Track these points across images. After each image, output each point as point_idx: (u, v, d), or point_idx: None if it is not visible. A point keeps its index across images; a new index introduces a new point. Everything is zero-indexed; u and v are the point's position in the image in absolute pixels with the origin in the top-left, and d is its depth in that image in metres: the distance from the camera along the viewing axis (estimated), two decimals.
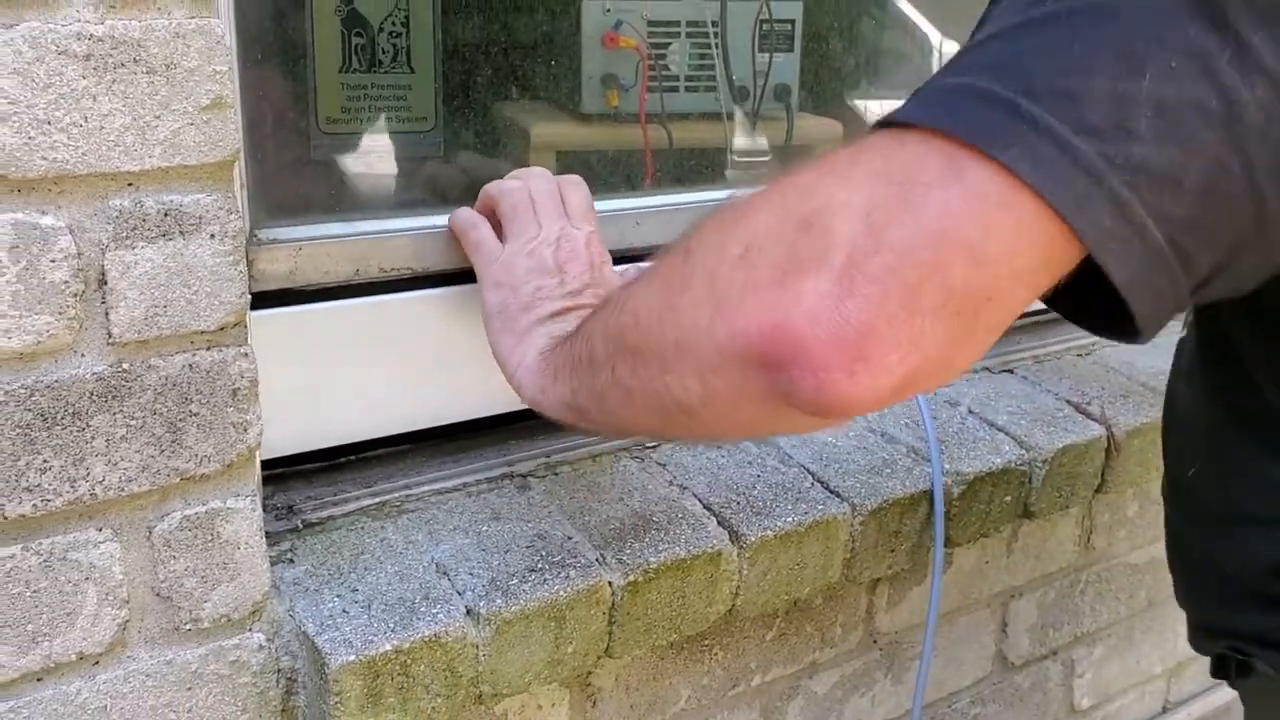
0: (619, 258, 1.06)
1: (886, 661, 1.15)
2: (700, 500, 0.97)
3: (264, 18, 0.90)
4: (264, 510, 0.90)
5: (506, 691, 0.83)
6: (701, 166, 1.36)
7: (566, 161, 1.26)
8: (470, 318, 0.93)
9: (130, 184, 0.66)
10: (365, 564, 0.84)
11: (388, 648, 0.76)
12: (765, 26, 1.36)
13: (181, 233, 0.69)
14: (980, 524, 1.07)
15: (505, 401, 1.02)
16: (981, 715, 1.26)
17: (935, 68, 1.21)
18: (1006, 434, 1.11)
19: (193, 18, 0.66)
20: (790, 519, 0.95)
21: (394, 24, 0.99)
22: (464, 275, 0.93)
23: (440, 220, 0.94)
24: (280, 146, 0.98)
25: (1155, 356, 1.32)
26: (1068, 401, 1.19)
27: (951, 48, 1.52)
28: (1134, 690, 1.42)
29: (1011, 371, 1.26)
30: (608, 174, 1.28)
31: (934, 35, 1.56)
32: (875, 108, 1.49)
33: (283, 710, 0.80)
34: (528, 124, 1.26)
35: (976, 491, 1.05)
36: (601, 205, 1.05)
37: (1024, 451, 1.09)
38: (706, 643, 1.01)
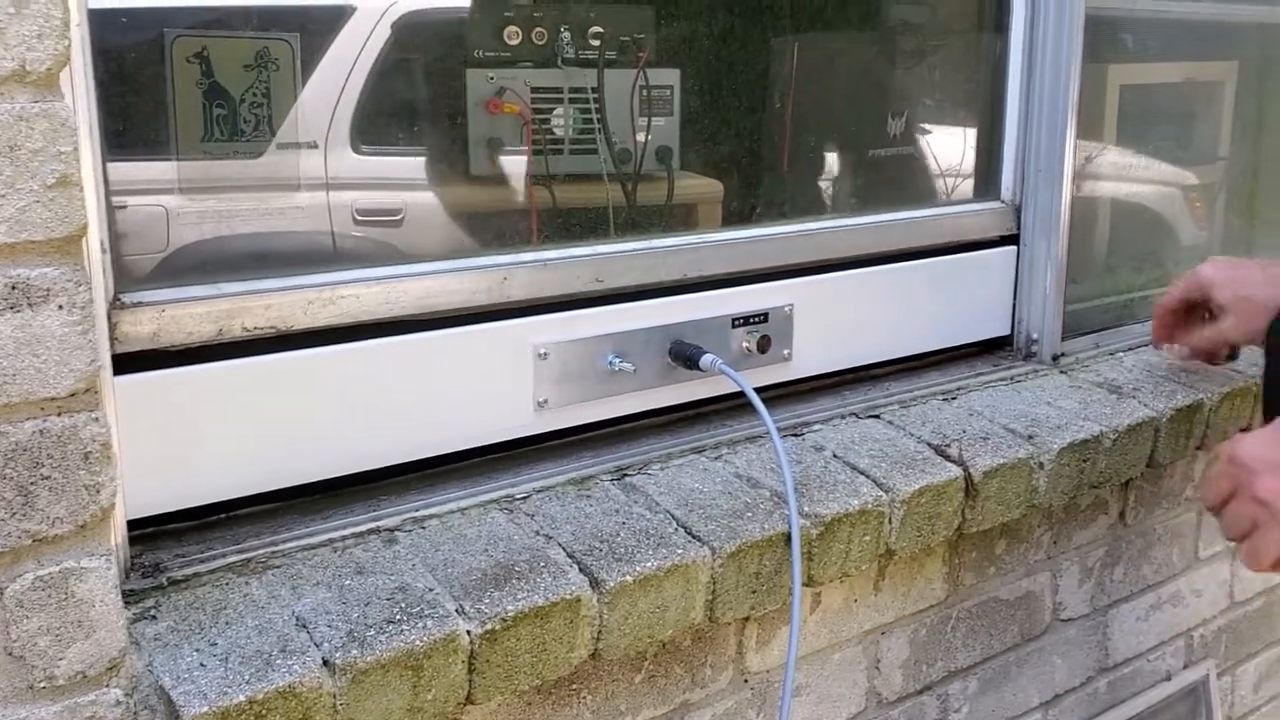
0: (490, 313, 1.11)
1: (758, 700, 1.19)
2: (564, 549, 1.00)
3: (126, 93, 0.94)
4: (131, 568, 0.92)
5: None
6: (585, 224, 1.41)
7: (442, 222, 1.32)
8: (337, 376, 0.97)
9: None
10: (226, 619, 0.87)
11: (241, 699, 0.79)
12: (645, 92, 1.43)
13: (29, 304, 0.72)
14: (841, 563, 1.12)
15: (375, 457, 1.06)
16: None
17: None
18: (866, 476, 1.17)
19: (36, 102, 0.70)
20: (650, 563, 0.99)
21: (255, 95, 1.04)
22: (326, 334, 0.97)
23: (303, 280, 0.98)
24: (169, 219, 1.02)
25: (1018, 400, 1.38)
26: (928, 444, 1.25)
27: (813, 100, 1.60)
28: None
29: (878, 416, 1.32)
30: (489, 232, 1.33)
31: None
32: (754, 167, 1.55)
33: None
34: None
35: (835, 532, 1.10)
36: (474, 261, 1.10)
37: (882, 493, 1.14)
38: (574, 687, 1.05)
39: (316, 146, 1.17)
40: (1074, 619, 1.49)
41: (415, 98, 1.28)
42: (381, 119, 1.23)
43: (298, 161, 1.14)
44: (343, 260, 1.17)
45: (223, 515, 0.99)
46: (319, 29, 1.16)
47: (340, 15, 1.20)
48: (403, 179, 1.27)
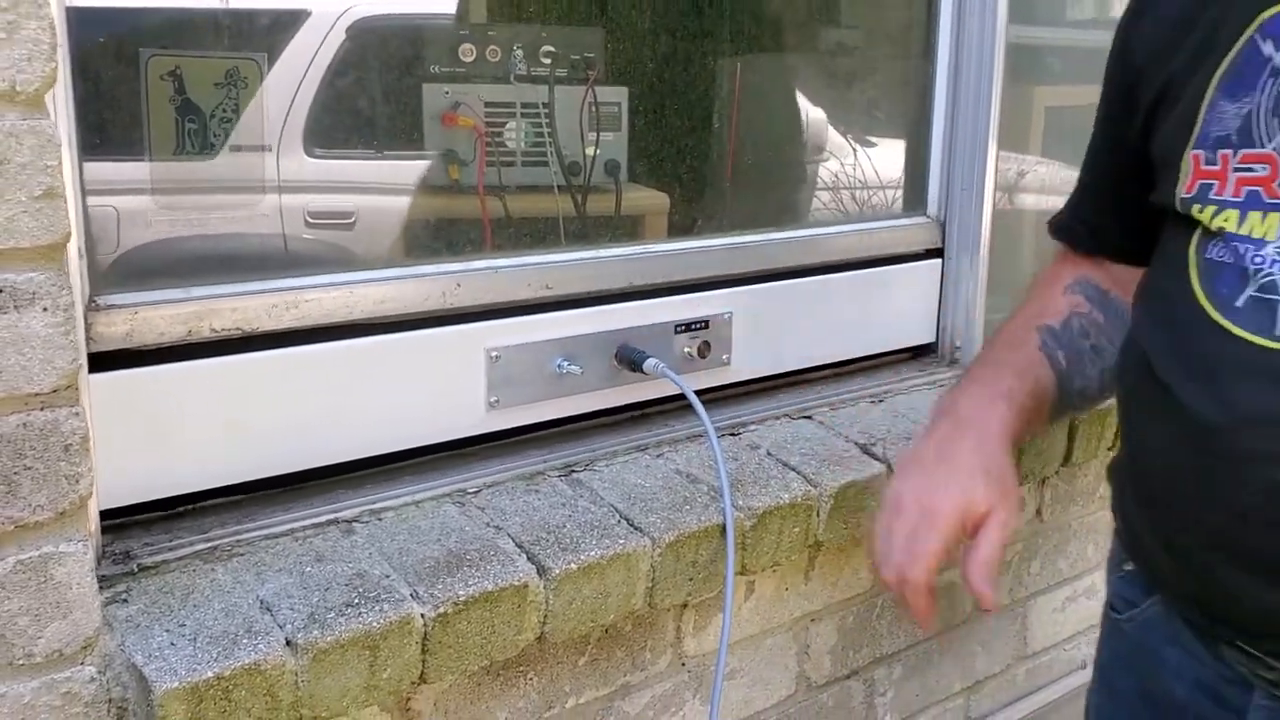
0: (444, 317, 1.17)
1: (694, 682, 1.26)
2: (513, 539, 1.07)
3: (103, 109, 1.00)
4: (102, 555, 0.98)
5: (325, 715, 0.92)
6: (530, 233, 1.47)
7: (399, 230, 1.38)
8: (299, 376, 1.03)
9: None
10: (194, 602, 0.93)
11: (210, 675, 0.85)
12: (594, 108, 1.50)
13: (16, 306, 0.78)
14: (773, 553, 1.20)
15: (334, 453, 1.13)
16: None
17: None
18: (797, 473, 1.25)
19: (25, 119, 0.75)
20: (594, 552, 1.06)
21: (224, 111, 1.10)
22: (289, 335, 1.03)
23: (268, 284, 1.05)
24: (120, 220, 1.08)
25: None
26: (856, 444, 1.33)
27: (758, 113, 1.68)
28: (935, 707, 1.56)
29: (809, 418, 1.40)
30: (442, 239, 1.39)
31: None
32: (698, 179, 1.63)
33: None
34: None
35: (767, 524, 1.18)
36: (428, 268, 1.17)
37: (811, 488, 1.22)
38: (521, 668, 1.11)
39: (270, 149, 1.22)
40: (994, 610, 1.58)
41: (369, 105, 1.33)
42: (335, 124, 1.28)
43: (252, 164, 1.18)
44: (294, 262, 1.22)
45: (189, 507, 1.05)
46: (278, 38, 1.21)
47: (296, 22, 1.25)
48: (356, 183, 1.32)
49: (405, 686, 0.97)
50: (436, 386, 1.17)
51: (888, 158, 1.67)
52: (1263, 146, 0.92)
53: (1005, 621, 1.61)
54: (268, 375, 1.05)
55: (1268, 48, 0.92)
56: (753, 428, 1.36)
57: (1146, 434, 1.02)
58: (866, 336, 1.55)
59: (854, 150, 1.70)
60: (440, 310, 1.16)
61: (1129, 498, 1.09)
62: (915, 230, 1.58)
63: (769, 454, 1.29)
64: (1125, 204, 1.11)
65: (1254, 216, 0.93)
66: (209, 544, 1.01)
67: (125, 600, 0.93)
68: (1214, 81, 0.97)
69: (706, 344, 1.35)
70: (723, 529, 1.14)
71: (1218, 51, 0.97)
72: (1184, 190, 0.99)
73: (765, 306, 1.41)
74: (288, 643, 0.89)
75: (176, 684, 0.83)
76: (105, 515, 0.99)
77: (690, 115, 1.67)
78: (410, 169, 1.37)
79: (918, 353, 1.63)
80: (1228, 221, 0.95)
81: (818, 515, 1.22)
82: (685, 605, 1.23)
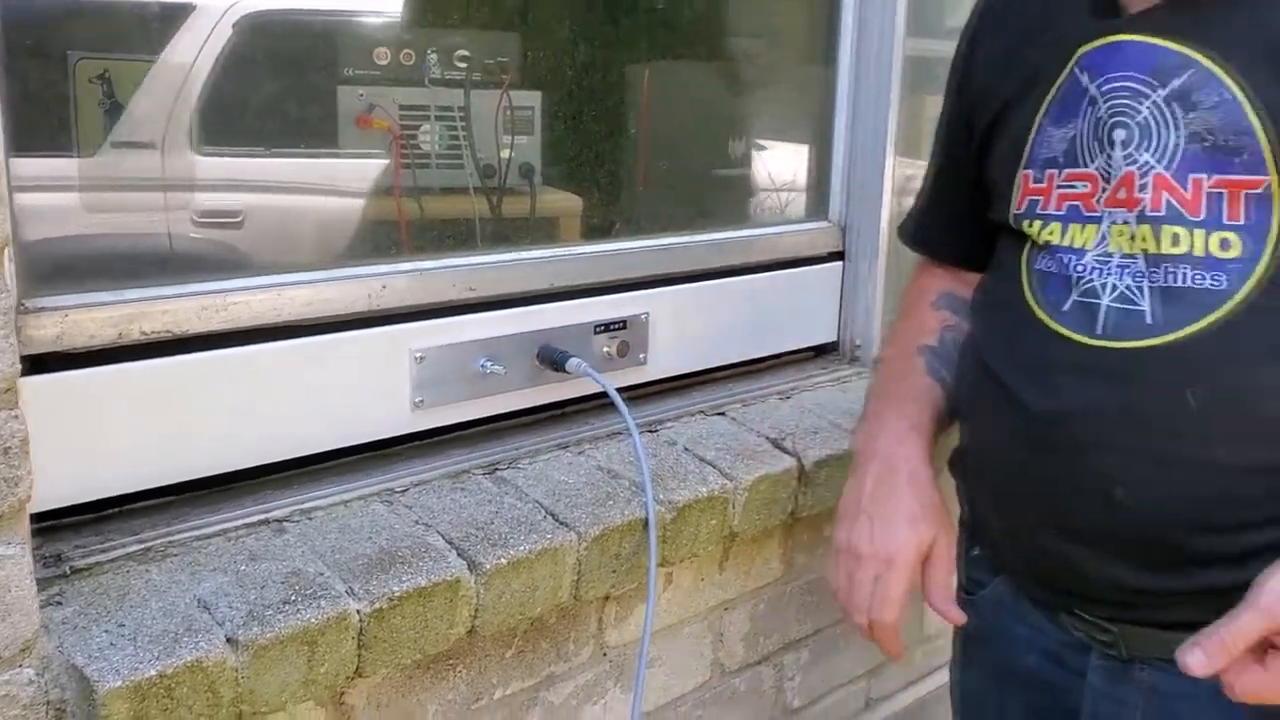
0: (369, 319, 1.19)
1: (616, 672, 1.30)
2: (443, 536, 1.10)
3: (33, 115, 0.99)
4: (32, 559, 0.97)
5: (265, 710, 0.93)
6: (451, 235, 1.50)
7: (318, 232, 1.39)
8: (228, 378, 1.04)
9: None
10: (131, 603, 0.94)
11: (153, 673, 0.86)
12: (509, 112, 1.53)
13: None
14: (691, 545, 1.25)
15: (263, 453, 1.14)
16: (704, 717, 1.44)
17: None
18: (714, 467, 1.30)
19: None
20: (523, 547, 1.10)
21: (105, 106, 1.09)
22: (217, 338, 1.04)
23: (197, 286, 1.05)
24: (49, 222, 1.07)
25: (844, 399, 1.55)
26: (767, 438, 1.39)
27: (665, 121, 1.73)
28: (839, 690, 1.63)
29: (723, 414, 1.46)
30: (361, 242, 1.41)
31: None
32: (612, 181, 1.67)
33: None
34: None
35: (686, 517, 1.23)
36: (354, 270, 1.19)
37: (727, 481, 1.28)
38: (451, 661, 1.14)
39: (154, 146, 1.20)
40: None
41: (267, 103, 1.32)
42: (230, 119, 1.25)
43: (137, 162, 1.16)
44: (181, 262, 1.19)
45: (119, 509, 1.05)
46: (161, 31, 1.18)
47: (184, 13, 1.22)
48: (251, 182, 1.31)
49: (341, 681, 0.99)
50: (363, 387, 1.18)
51: (794, 164, 1.74)
52: (1085, 166, 1.03)
53: None
54: (197, 377, 1.06)
55: (1084, 79, 1.03)
56: (669, 424, 1.41)
57: (986, 428, 1.12)
58: (774, 336, 1.61)
59: (763, 156, 1.77)
60: (366, 312, 1.18)
61: (973, 486, 1.19)
62: (819, 234, 1.65)
63: (686, 449, 1.34)
64: (970, 218, 1.21)
65: (1074, 228, 1.04)
66: (141, 545, 1.01)
67: (60, 603, 0.93)
68: (1042, 109, 1.07)
69: (625, 344, 1.39)
70: (645, 522, 1.19)
71: (1044, 83, 1.07)
72: (1015, 207, 1.10)
73: (680, 307, 1.47)
74: (228, 640, 0.91)
75: (120, 683, 0.84)
76: (34, 519, 0.99)
77: (602, 120, 1.71)
78: (313, 168, 1.37)
79: (821, 351, 1.70)
80: (1053, 235, 1.06)
81: (733, 507, 1.28)
82: (608, 597, 1.27)
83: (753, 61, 1.77)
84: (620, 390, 1.27)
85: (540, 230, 1.60)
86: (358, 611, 0.98)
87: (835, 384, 1.61)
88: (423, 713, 1.13)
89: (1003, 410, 1.07)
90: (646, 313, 1.42)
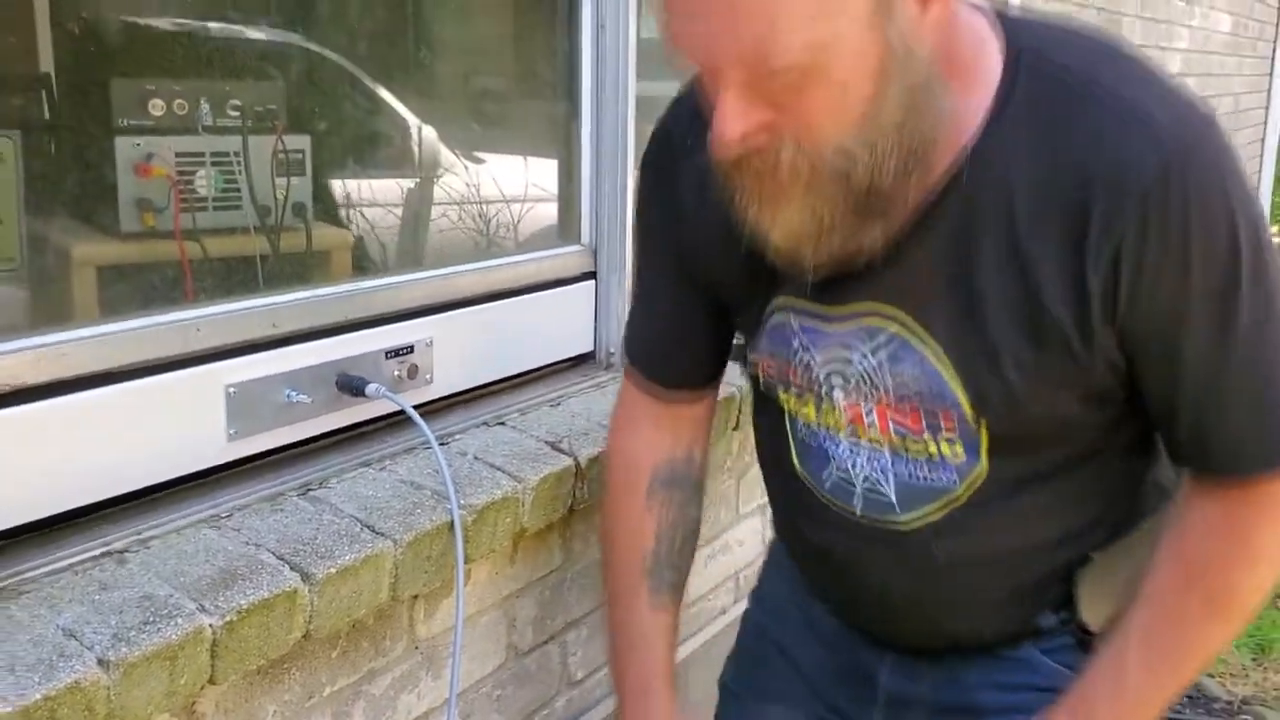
0: (188, 360, 1.28)
1: (427, 662, 1.46)
2: (273, 553, 1.22)
3: None
4: None
5: None
6: (238, 273, 1.59)
7: (108, 277, 1.46)
8: (59, 424, 1.12)
9: None
10: None
11: (38, 697, 0.94)
12: (282, 155, 1.64)
13: None
14: (490, 542, 1.42)
15: (95, 490, 1.22)
16: (503, 696, 1.61)
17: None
18: (503, 471, 1.48)
19: None
20: (348, 557, 1.23)
21: None
22: (44, 389, 1.12)
23: (31, 340, 1.12)
24: None
25: (604, 402, 1.76)
26: (546, 442, 1.58)
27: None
28: None
29: (504, 423, 1.63)
30: (159, 289, 1.49)
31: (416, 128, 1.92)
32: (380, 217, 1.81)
33: None
34: (69, 245, 1.44)
35: (485, 518, 1.40)
36: (177, 315, 1.28)
37: (517, 483, 1.45)
38: (286, 665, 1.26)
39: None
40: None
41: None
42: None
43: None
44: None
45: None
46: None
47: None
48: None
49: (197, 689, 1.10)
50: (184, 423, 1.28)
51: (549, 195, 1.93)
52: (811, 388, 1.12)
53: None
54: (30, 426, 1.13)
55: (788, 317, 1.11)
56: (458, 436, 1.57)
57: (792, 524, 1.30)
58: (541, 350, 1.80)
59: (521, 190, 1.96)
60: (184, 354, 1.27)
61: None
62: (573, 257, 1.86)
63: (476, 458, 1.51)
64: (705, 334, 1.28)
65: (826, 407, 1.11)
66: None
67: None
68: (763, 329, 1.15)
69: (414, 366, 1.54)
70: (451, 526, 1.35)
71: (756, 311, 1.15)
72: (763, 375, 1.17)
73: (458, 330, 1.63)
74: (100, 661, 1.00)
75: (8, 709, 0.93)
76: None
77: (362, 160, 1.85)
78: (105, 217, 1.45)
79: (580, 360, 1.90)
80: (807, 410, 1.13)
81: (524, 506, 1.46)
82: (417, 596, 1.42)
83: (495, 98, 1.97)
84: (413, 408, 1.42)
85: (320, 264, 1.72)
86: (210, 625, 1.09)
87: (595, 389, 1.82)
88: (263, 713, 1.24)
89: (804, 526, 1.23)
90: (431, 337, 1.57)
